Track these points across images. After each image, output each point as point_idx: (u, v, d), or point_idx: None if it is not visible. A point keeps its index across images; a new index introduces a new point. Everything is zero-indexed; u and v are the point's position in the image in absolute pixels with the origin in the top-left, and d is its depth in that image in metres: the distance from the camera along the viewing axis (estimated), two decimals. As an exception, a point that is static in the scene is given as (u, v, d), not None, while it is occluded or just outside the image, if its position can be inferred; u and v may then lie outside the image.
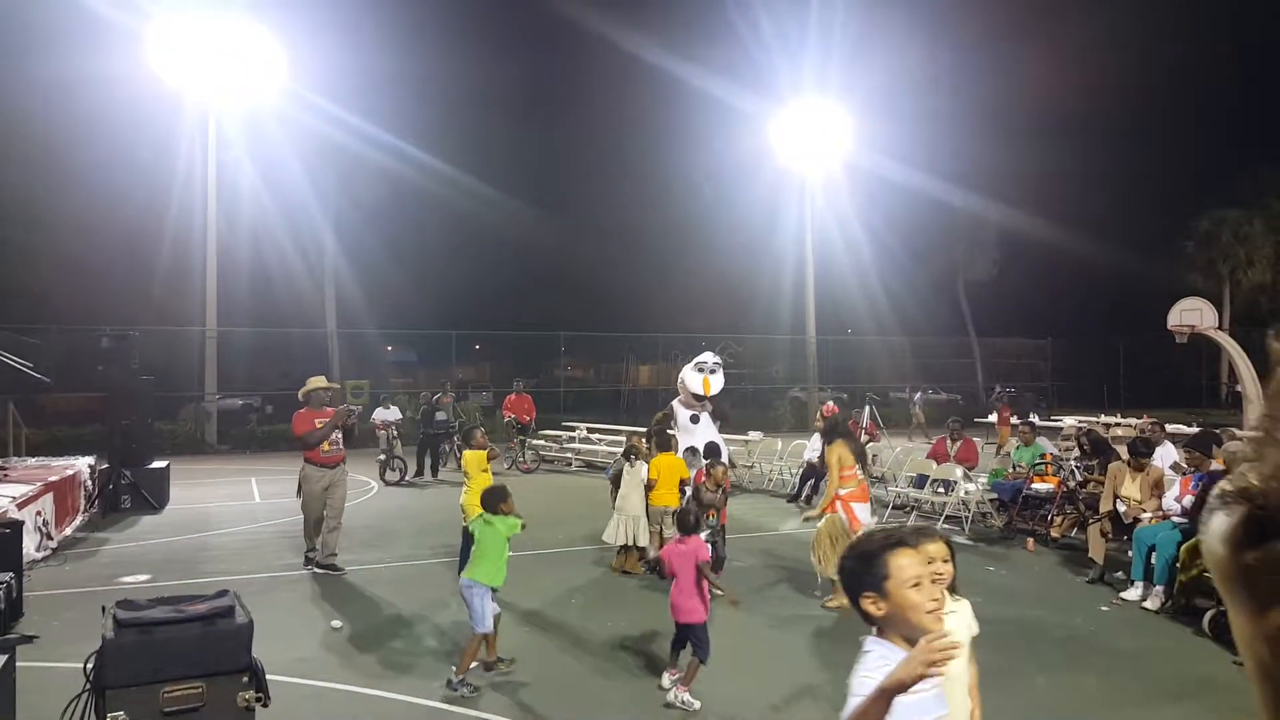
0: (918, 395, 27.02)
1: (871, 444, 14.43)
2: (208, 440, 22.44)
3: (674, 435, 9.78)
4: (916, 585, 2.04)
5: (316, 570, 8.72)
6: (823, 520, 7.81)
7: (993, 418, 19.10)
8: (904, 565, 2.05)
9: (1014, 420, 14.83)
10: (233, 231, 25.95)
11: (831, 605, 7.44)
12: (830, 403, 8.83)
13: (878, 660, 2.01)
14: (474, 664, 5.70)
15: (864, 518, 7.68)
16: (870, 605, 2.07)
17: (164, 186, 25.35)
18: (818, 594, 7.86)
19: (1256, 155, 39.83)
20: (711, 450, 9.47)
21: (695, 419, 10.51)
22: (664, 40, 36.68)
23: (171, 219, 25.58)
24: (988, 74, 45.18)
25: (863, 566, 2.09)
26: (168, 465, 13.47)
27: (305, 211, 27.61)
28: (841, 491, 7.74)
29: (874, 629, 2.10)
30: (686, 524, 5.79)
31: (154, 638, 3.45)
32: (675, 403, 10.84)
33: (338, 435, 8.90)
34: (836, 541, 7.45)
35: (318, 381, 9.16)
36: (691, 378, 10.73)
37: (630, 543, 8.71)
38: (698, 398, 10.61)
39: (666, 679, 5.56)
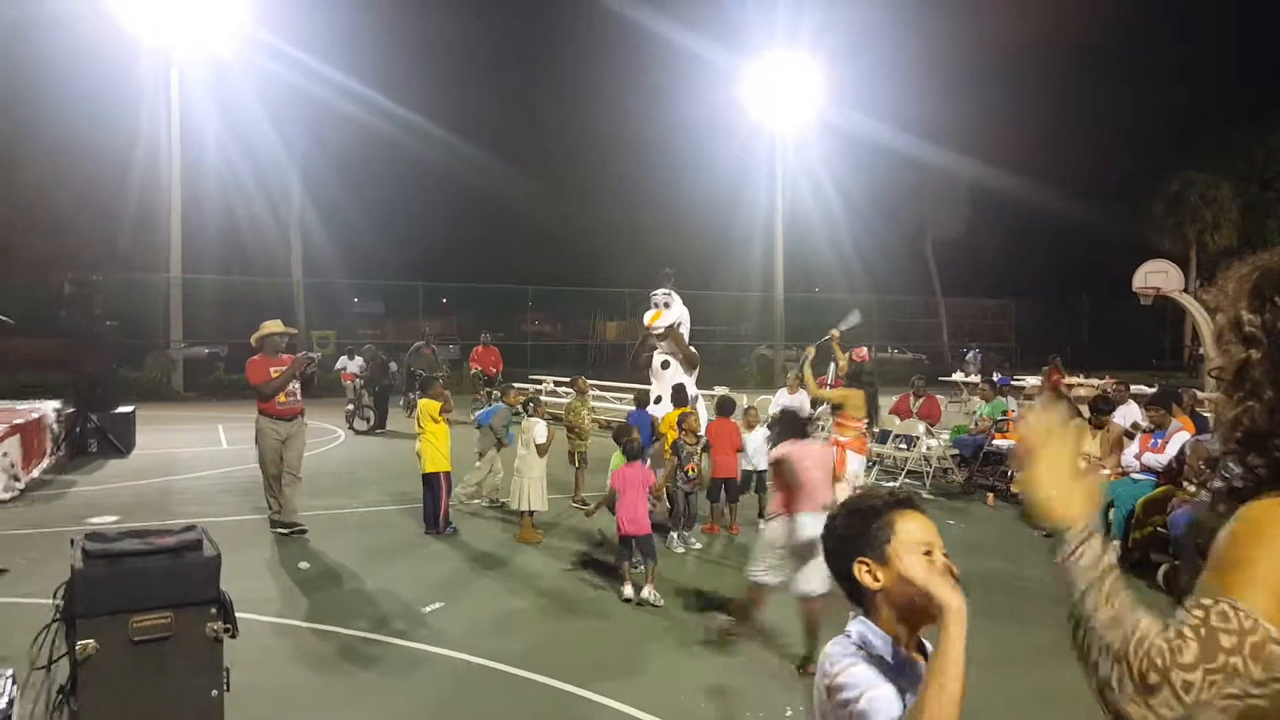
0: (971, 353, 26.50)
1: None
2: (174, 387, 22.24)
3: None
4: (929, 554, 1.66)
5: (280, 532, 8.07)
6: None
7: (1033, 379, 18.40)
8: (911, 529, 1.69)
9: (982, 380, 15.04)
10: (198, 179, 25.45)
11: None
12: (863, 349, 8.52)
13: (849, 637, 1.68)
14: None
15: (853, 468, 7.58)
16: (865, 574, 1.68)
17: (127, 133, 24.74)
18: None
19: (1225, 118, 40.27)
20: (679, 396, 9.20)
21: (665, 364, 10.23)
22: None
23: (136, 166, 25.01)
24: (958, 29, 45.06)
25: (860, 524, 1.72)
26: (134, 410, 13.36)
27: (272, 160, 27.12)
28: (842, 438, 7.61)
29: (859, 608, 1.72)
30: (631, 451, 6.60)
31: (123, 568, 3.47)
32: (655, 354, 10.47)
33: (295, 385, 8.25)
34: None
35: (272, 325, 8.41)
36: (647, 315, 10.36)
37: (527, 508, 8.05)
38: (649, 331, 10.21)
39: (629, 589, 6.30)
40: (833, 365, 12.20)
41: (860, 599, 1.71)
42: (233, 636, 3.77)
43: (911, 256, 40.08)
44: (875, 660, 1.62)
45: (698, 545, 7.96)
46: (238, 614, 3.93)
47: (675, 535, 7.97)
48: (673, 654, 5.45)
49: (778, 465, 5.35)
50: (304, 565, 7.09)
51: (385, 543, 8.02)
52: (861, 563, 1.69)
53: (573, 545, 8.03)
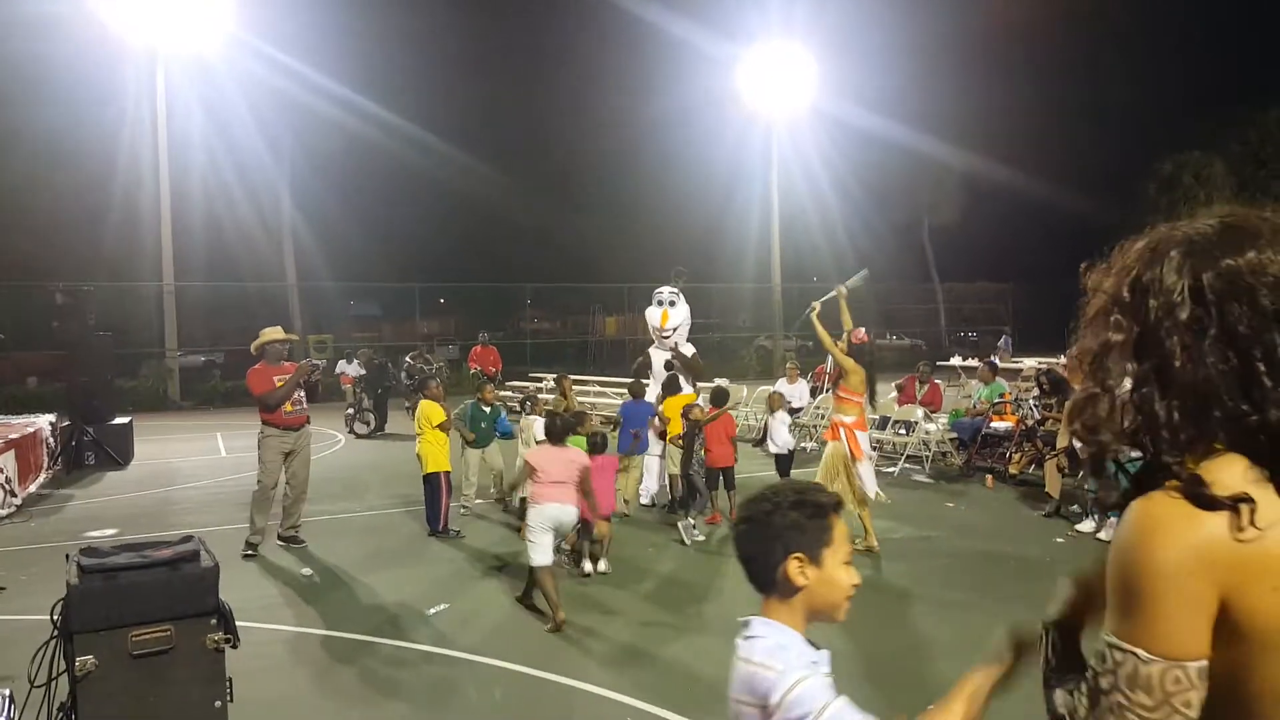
0: (1004, 339, 25.97)
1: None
2: (171, 396, 22.18)
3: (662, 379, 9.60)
4: (848, 563, 1.73)
5: (278, 542, 7.80)
6: (827, 450, 7.65)
7: (1030, 362, 18.16)
8: (843, 536, 1.73)
9: (982, 361, 15.00)
10: (187, 184, 25.37)
11: (859, 548, 7.06)
12: (861, 330, 8.35)
13: (780, 647, 1.63)
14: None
15: (866, 448, 7.54)
16: (796, 570, 1.67)
17: (113, 139, 24.66)
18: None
19: (1217, 96, 40.21)
20: (671, 385, 9.32)
21: (669, 365, 9.93)
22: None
23: (123, 172, 24.93)
24: (952, 16, 44.91)
25: (809, 521, 1.70)
26: (131, 421, 13.32)
27: (262, 163, 27.04)
28: (846, 419, 7.51)
29: (765, 598, 1.72)
30: (595, 445, 7.21)
31: (119, 582, 3.44)
32: (652, 349, 10.28)
33: (300, 394, 7.92)
34: (836, 476, 7.32)
35: (273, 333, 8.08)
36: (651, 314, 10.12)
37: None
38: (661, 334, 9.98)
39: (587, 565, 6.94)
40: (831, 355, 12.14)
41: (772, 588, 1.70)
42: (234, 646, 3.75)
43: (908, 243, 40.07)
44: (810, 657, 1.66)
45: (700, 537, 7.98)
46: (239, 623, 3.91)
47: (693, 522, 8.04)
48: (680, 646, 5.43)
49: (528, 462, 6.16)
50: (306, 571, 7.06)
51: (388, 546, 8.00)
52: (798, 558, 1.68)
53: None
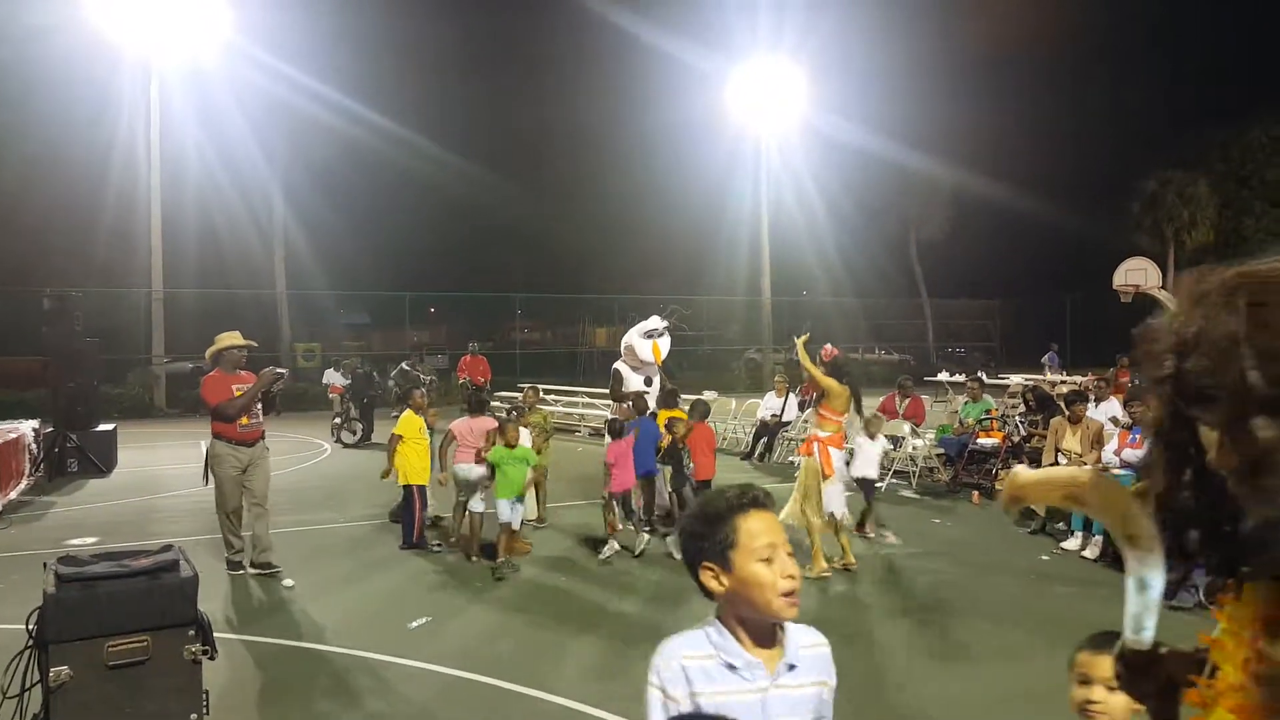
0: (1046, 356, 25.20)
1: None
2: (156, 404, 22.04)
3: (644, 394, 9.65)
4: (769, 559, 1.65)
5: (251, 571, 7.22)
6: (802, 465, 7.59)
7: (1017, 378, 17.72)
8: (755, 532, 1.67)
9: (969, 377, 15.07)
10: (179, 190, 25.28)
11: (811, 575, 6.96)
12: (829, 346, 8.24)
13: (682, 644, 1.72)
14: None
15: (839, 466, 7.46)
16: (711, 579, 1.69)
17: (105, 144, 24.57)
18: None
19: (1202, 116, 40.60)
20: (669, 399, 9.47)
21: (649, 381, 10.09)
22: (619, -2, 36.18)
23: (114, 178, 24.84)
24: (941, 34, 45.32)
25: (706, 529, 1.71)
26: (115, 428, 13.22)
27: (254, 170, 26.96)
28: (821, 434, 7.42)
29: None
30: (615, 430, 8.23)
31: (97, 592, 3.41)
32: (622, 366, 10.30)
33: (257, 405, 7.28)
34: (809, 495, 7.28)
35: (230, 338, 7.44)
36: (640, 344, 10.17)
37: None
38: (645, 364, 10.16)
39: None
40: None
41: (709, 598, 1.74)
42: (212, 658, 3.73)
43: (897, 259, 40.26)
44: (726, 666, 1.66)
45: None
46: (218, 634, 3.88)
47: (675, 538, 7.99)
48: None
49: (450, 430, 7.98)
50: (288, 583, 6.99)
51: (371, 558, 7.94)
52: (707, 568, 1.70)
53: (562, 554, 7.98)
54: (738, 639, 1.68)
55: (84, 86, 23.85)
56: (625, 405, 8.96)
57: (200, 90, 24.15)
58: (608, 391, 10.08)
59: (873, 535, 8.52)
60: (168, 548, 3.89)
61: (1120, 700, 1.75)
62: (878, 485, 9.96)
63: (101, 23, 21.68)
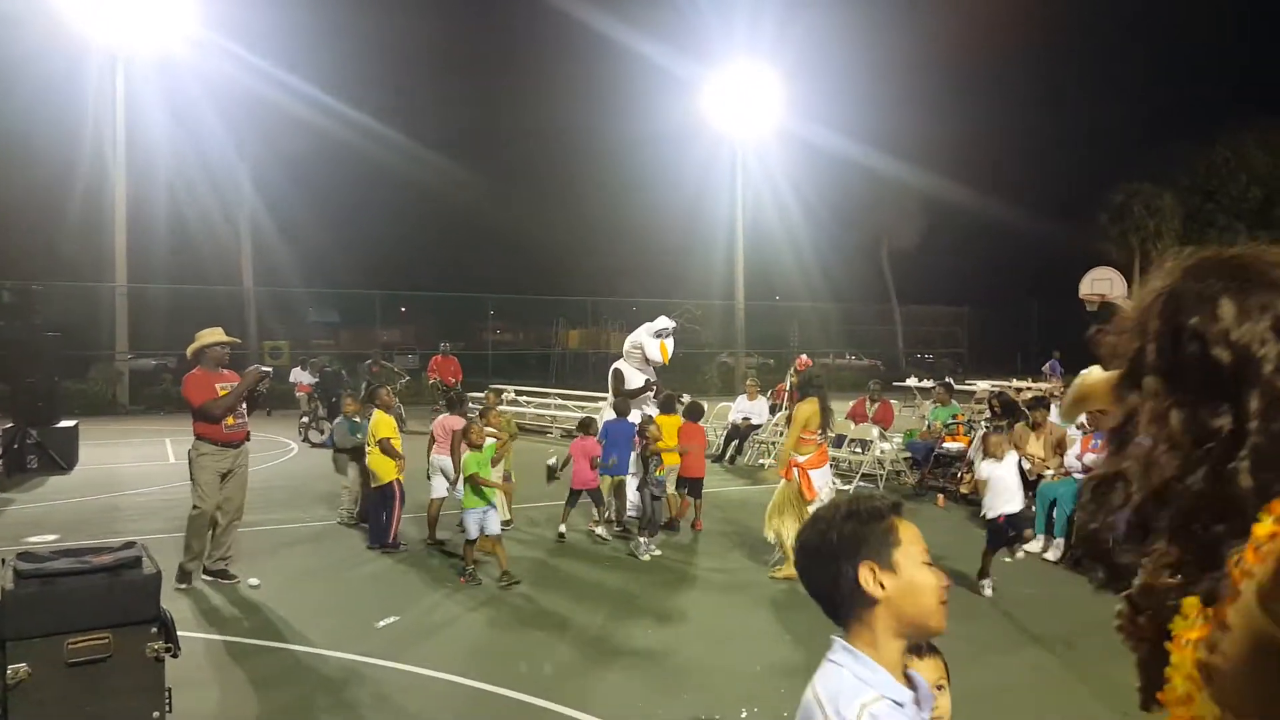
0: (1048, 364, 24.86)
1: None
2: (120, 400, 21.71)
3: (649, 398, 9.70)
4: (928, 563, 1.56)
5: (205, 578, 6.87)
6: (780, 487, 7.56)
7: (984, 384, 17.75)
8: (914, 536, 1.57)
9: (937, 383, 15.27)
10: (146, 184, 24.92)
11: (779, 576, 7.13)
12: (804, 356, 8.17)
13: (850, 684, 1.47)
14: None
15: (820, 486, 7.34)
16: (869, 579, 1.51)
17: (71, 136, 24.16)
18: (766, 559, 7.65)
19: (1168, 130, 41.38)
20: (668, 404, 9.47)
21: (649, 384, 9.91)
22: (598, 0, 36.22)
23: (81, 171, 24.41)
24: (914, 45, 45.84)
25: (865, 527, 1.55)
26: (77, 425, 13.00)
27: (223, 164, 26.65)
28: (800, 458, 7.36)
29: (845, 627, 1.55)
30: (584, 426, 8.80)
31: (56, 589, 3.37)
32: (624, 366, 10.07)
33: (242, 405, 6.99)
34: (786, 511, 7.27)
35: (213, 334, 7.08)
36: (650, 343, 9.92)
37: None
38: (652, 364, 9.95)
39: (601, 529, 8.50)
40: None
41: (849, 611, 1.54)
42: (175, 656, 3.69)
43: (869, 265, 40.61)
44: (894, 705, 1.46)
45: (658, 552, 7.98)
46: (181, 632, 3.84)
47: (643, 542, 8.02)
48: (629, 661, 5.43)
49: (433, 428, 8.64)
50: (254, 581, 6.92)
51: (338, 557, 7.90)
52: (868, 566, 1.51)
53: (529, 555, 7.97)
54: (887, 668, 1.50)
55: (49, 77, 23.43)
56: (650, 431, 8.63)
57: (168, 82, 23.79)
58: (584, 394, 10.13)
59: (988, 591, 6.93)
60: (130, 545, 3.85)
61: None
62: (846, 489, 9.99)
63: (67, 13, 21.32)
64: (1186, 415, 1.01)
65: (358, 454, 8.85)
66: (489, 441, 7.96)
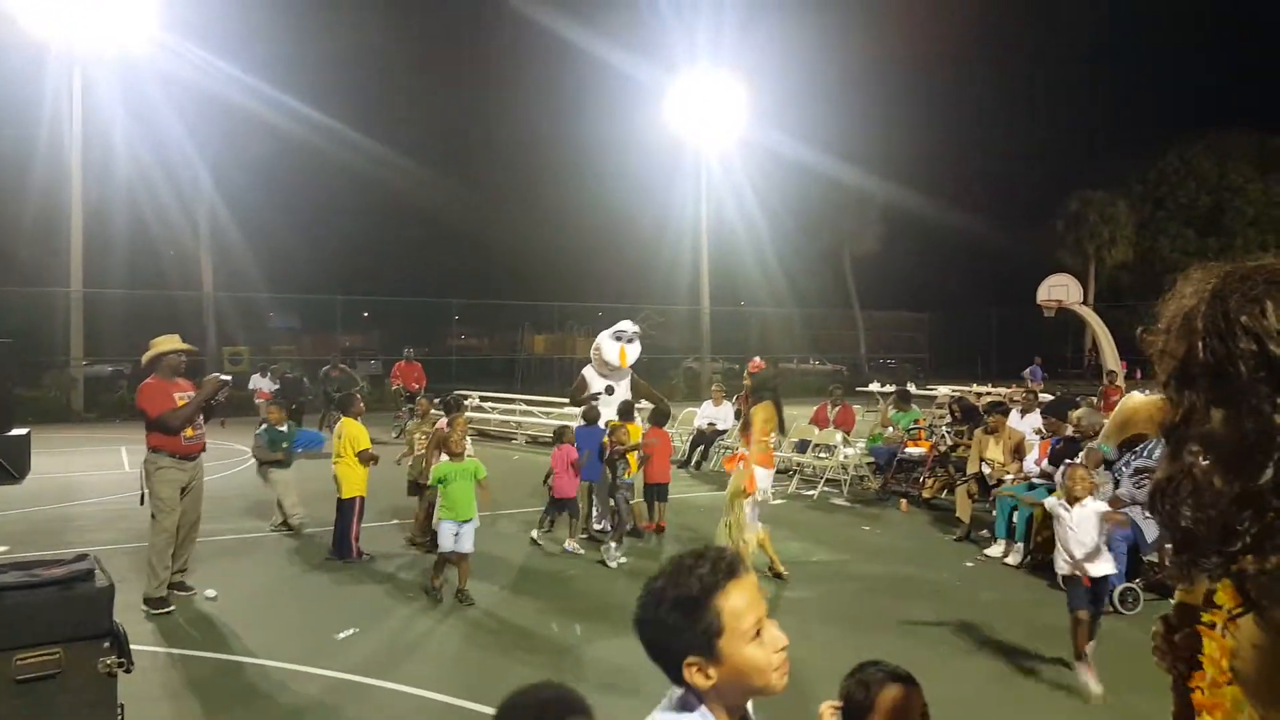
0: (1029, 370, 24.20)
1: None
2: (74, 408, 21.26)
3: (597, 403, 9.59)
4: (757, 635, 1.46)
5: (144, 610, 6.37)
6: (730, 481, 7.51)
7: (945, 389, 17.80)
8: (739, 610, 1.45)
9: (896, 388, 15.42)
10: (104, 187, 24.46)
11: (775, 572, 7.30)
12: (757, 358, 8.14)
13: None
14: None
15: (762, 484, 7.34)
16: (697, 675, 1.45)
17: (27, 139, 23.63)
18: None
19: (1121, 140, 42.31)
20: (626, 412, 9.37)
21: (610, 390, 9.82)
22: (562, 5, 36.24)
23: (37, 174, 23.87)
24: (876, 54, 46.41)
25: (683, 620, 1.45)
26: (28, 433, 12.57)
27: (183, 168, 26.23)
28: (745, 451, 7.41)
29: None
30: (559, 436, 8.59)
31: (4, 603, 3.29)
32: (588, 371, 10.08)
33: (199, 415, 6.71)
34: (734, 506, 7.24)
35: (168, 342, 6.79)
36: (608, 346, 9.89)
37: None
38: (611, 368, 9.90)
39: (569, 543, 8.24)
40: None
41: (681, 685, 1.49)
42: (127, 671, 3.61)
43: (831, 271, 41.01)
44: None
45: (624, 560, 7.96)
46: (134, 646, 3.77)
47: (613, 546, 8.03)
48: (595, 673, 5.41)
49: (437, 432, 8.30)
50: (210, 593, 6.79)
51: (297, 569, 7.78)
52: (691, 664, 1.45)
53: (491, 566, 7.91)
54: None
55: (3, 78, 22.92)
56: (619, 435, 8.70)
57: (127, 84, 23.42)
58: (549, 400, 10.05)
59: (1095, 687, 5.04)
60: (82, 557, 3.77)
61: None
62: (809, 494, 9.99)
63: (22, 14, 20.90)
64: (1248, 412, 1.03)
65: (286, 462, 8.99)
66: (469, 453, 7.74)
